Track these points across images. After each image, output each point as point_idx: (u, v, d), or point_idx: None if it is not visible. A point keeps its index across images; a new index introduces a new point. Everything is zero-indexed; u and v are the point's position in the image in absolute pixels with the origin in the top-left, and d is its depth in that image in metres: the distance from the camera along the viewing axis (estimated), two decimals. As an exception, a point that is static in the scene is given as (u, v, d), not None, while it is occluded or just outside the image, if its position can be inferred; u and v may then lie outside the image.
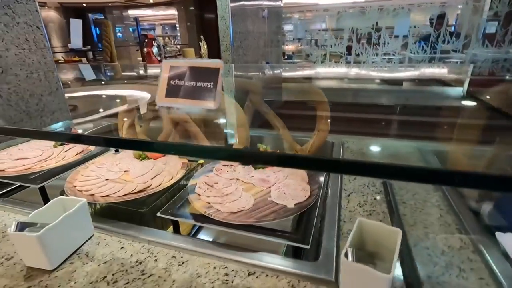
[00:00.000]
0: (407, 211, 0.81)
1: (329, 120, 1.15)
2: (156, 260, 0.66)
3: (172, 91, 0.42)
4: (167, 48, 4.26)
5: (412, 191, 0.91)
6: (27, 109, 1.48)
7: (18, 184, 1.02)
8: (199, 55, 5.06)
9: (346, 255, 0.51)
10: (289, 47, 4.51)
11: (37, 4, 1.51)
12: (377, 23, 3.14)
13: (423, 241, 0.69)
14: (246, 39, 2.94)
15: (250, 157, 0.53)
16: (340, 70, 3.22)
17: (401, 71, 2.94)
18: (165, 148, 0.61)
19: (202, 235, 0.89)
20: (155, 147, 0.63)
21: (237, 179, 0.84)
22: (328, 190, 0.91)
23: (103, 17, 7.58)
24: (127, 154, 1.06)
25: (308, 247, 0.61)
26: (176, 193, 0.92)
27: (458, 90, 2.15)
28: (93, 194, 0.79)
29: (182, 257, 0.66)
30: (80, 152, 1.09)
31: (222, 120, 1.17)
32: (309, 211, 0.72)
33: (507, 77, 2.62)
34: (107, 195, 0.79)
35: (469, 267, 0.61)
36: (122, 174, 0.93)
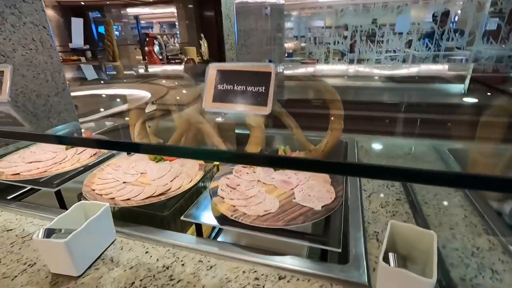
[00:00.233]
0: (430, 212, 0.81)
1: (343, 119, 1.14)
2: (183, 264, 0.65)
3: (220, 96, 0.40)
4: (170, 47, 4.23)
5: (433, 191, 0.90)
6: (34, 110, 1.46)
7: (30, 187, 1.01)
8: (199, 53, 5.04)
9: (385, 259, 0.50)
10: (290, 45, 4.49)
11: (43, 3, 1.48)
12: (375, 20, 3.13)
13: (451, 242, 0.69)
14: (250, 38, 2.92)
15: (277, 162, 0.51)
16: (344, 68, 3.21)
17: (406, 68, 2.94)
18: (187, 153, 0.60)
19: (222, 238, 0.88)
20: (175, 151, 0.63)
21: (258, 180, 0.83)
22: (348, 190, 0.90)
23: (100, 15, 7.51)
24: (142, 156, 1.05)
25: (340, 250, 0.60)
26: (195, 195, 0.91)
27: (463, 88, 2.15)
28: (113, 198, 0.78)
29: (209, 261, 0.65)
30: (94, 154, 1.08)
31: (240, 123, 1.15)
32: (335, 213, 0.71)
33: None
34: (128, 199, 0.77)
35: (502, 268, 0.61)
36: (139, 177, 0.92)
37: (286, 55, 4.23)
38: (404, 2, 2.93)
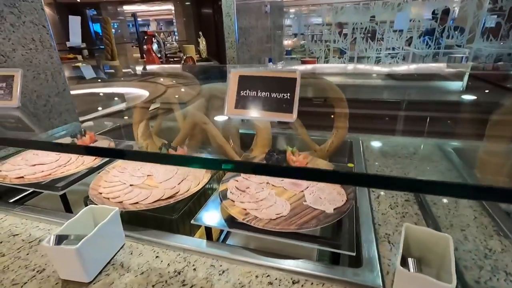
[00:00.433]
0: (440, 213, 0.81)
1: (347, 118, 1.13)
2: (195, 269, 0.64)
3: (243, 102, 0.39)
4: (168, 45, 4.19)
5: (441, 192, 0.90)
6: (35, 111, 1.44)
7: (35, 190, 1.00)
8: (197, 51, 5.00)
9: (402, 264, 0.50)
10: (289, 43, 4.48)
11: (42, 2, 1.46)
12: (373, 17, 3.13)
13: (463, 244, 0.69)
14: (250, 36, 2.90)
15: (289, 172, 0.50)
16: (345, 66, 3.20)
17: (406, 66, 2.94)
18: (194, 162, 0.59)
19: (231, 241, 0.87)
20: (181, 160, 0.62)
21: (267, 182, 0.82)
22: (357, 192, 0.89)
23: (96, 13, 7.43)
24: (147, 158, 1.04)
25: (354, 254, 0.60)
26: (202, 197, 0.90)
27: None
28: (121, 202, 0.77)
29: (221, 265, 0.65)
30: (98, 156, 1.06)
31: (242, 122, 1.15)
32: (347, 215, 0.70)
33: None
34: (136, 202, 0.76)
35: (516, 270, 0.61)
36: (146, 179, 0.91)
37: (285, 52, 4.22)
38: (404, -1, 2.92)
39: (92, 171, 1.00)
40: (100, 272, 0.64)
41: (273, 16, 3.44)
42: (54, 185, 0.89)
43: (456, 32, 2.90)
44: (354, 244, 0.62)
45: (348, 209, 0.69)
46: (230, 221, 0.70)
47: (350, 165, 0.90)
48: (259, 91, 0.39)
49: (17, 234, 0.77)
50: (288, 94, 0.38)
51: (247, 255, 0.66)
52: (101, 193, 0.81)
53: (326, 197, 0.73)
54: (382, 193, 0.90)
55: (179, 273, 0.63)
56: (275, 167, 0.48)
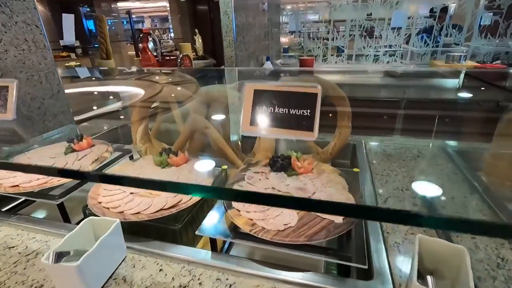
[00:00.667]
0: (449, 219, 0.79)
1: (350, 118, 1.09)
2: (200, 283, 0.62)
3: (259, 119, 0.37)
4: (164, 43, 4.13)
5: (449, 195, 0.89)
6: (28, 114, 1.40)
7: (31, 199, 0.96)
8: (193, 49, 4.94)
9: (420, 281, 0.48)
10: (286, 40, 4.44)
11: (35, 1, 1.41)
12: (370, 14, 3.11)
13: (475, 254, 0.67)
14: (248, 34, 2.86)
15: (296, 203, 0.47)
16: (343, 64, 3.18)
17: (404, 65, 2.93)
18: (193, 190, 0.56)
19: (234, 250, 0.85)
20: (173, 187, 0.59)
21: (272, 188, 0.80)
22: (364, 196, 0.88)
23: (89, 9, 7.30)
24: (147, 162, 1.01)
25: (366, 267, 0.58)
26: (205, 204, 0.87)
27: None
28: (122, 211, 0.74)
29: (227, 279, 0.62)
30: (96, 160, 1.03)
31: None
32: (356, 225, 0.68)
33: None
34: (138, 212, 0.74)
35: (530, 281, 0.59)
36: (146, 186, 0.88)
37: (282, 50, 4.18)
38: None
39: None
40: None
41: (270, 13, 3.40)
42: (51, 194, 0.86)
43: (454, 30, 2.89)
44: (366, 256, 0.60)
45: (357, 219, 0.67)
46: (236, 231, 0.68)
47: (355, 170, 0.89)
48: (276, 107, 0.37)
49: (13, 247, 0.73)
50: (308, 111, 0.35)
51: (254, 268, 0.64)
52: (100, 203, 0.78)
53: (334, 205, 0.71)
54: (389, 197, 0.89)
55: (184, 287, 0.61)
56: (271, 196, 0.44)
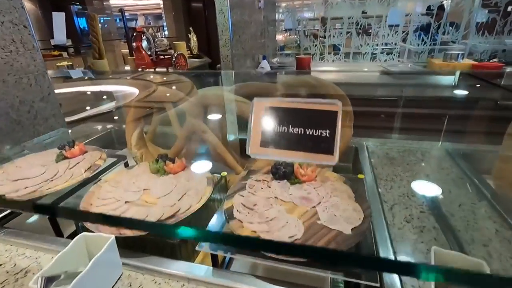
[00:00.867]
0: (459, 226, 0.76)
1: (352, 118, 1.05)
2: (202, 303, 0.58)
3: (270, 140, 0.33)
4: (158, 42, 4.05)
5: (456, 201, 0.86)
6: (18, 118, 1.34)
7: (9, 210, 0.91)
8: (188, 48, 4.87)
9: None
10: (281, 38, 4.39)
11: (22, 0, 1.35)
12: (366, 12, 3.08)
13: (489, 263, 0.64)
14: (244, 33, 2.81)
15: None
16: (341, 63, 3.15)
17: (401, 63, 2.90)
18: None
19: (236, 263, 0.81)
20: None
21: (275, 197, 0.76)
22: (369, 203, 0.84)
23: (81, 7, 7.16)
24: (142, 169, 0.96)
25: (378, 285, 0.54)
26: (204, 212, 0.83)
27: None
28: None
29: (231, 297, 0.59)
30: (89, 168, 0.98)
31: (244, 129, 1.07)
32: (365, 236, 0.65)
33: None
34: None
35: (549, 294, 0.56)
36: (142, 194, 0.84)
37: (278, 48, 4.14)
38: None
39: (83, 185, 0.92)
40: (96, 310, 0.57)
41: (266, 10, 3.35)
42: (41, 205, 0.81)
43: (451, 28, 2.88)
44: (377, 272, 0.57)
45: (366, 229, 0.64)
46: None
47: (360, 176, 0.85)
48: (290, 126, 0.32)
49: (0, 265, 0.69)
50: (327, 131, 0.31)
51: (258, 285, 0.60)
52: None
53: (342, 215, 0.68)
54: (395, 203, 0.86)
55: (185, 308, 0.57)
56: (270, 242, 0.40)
